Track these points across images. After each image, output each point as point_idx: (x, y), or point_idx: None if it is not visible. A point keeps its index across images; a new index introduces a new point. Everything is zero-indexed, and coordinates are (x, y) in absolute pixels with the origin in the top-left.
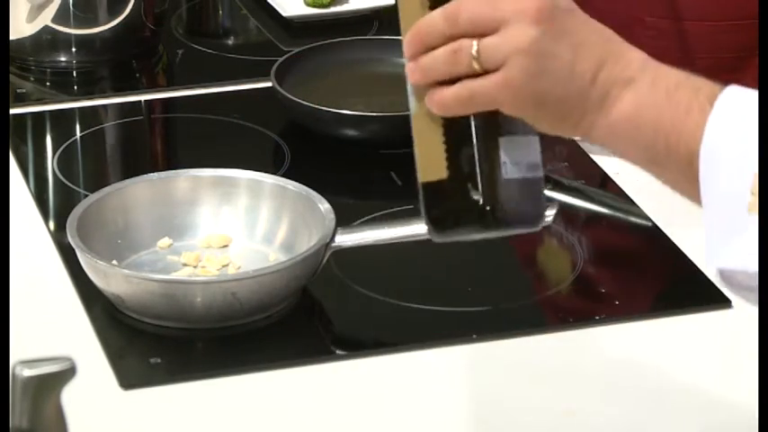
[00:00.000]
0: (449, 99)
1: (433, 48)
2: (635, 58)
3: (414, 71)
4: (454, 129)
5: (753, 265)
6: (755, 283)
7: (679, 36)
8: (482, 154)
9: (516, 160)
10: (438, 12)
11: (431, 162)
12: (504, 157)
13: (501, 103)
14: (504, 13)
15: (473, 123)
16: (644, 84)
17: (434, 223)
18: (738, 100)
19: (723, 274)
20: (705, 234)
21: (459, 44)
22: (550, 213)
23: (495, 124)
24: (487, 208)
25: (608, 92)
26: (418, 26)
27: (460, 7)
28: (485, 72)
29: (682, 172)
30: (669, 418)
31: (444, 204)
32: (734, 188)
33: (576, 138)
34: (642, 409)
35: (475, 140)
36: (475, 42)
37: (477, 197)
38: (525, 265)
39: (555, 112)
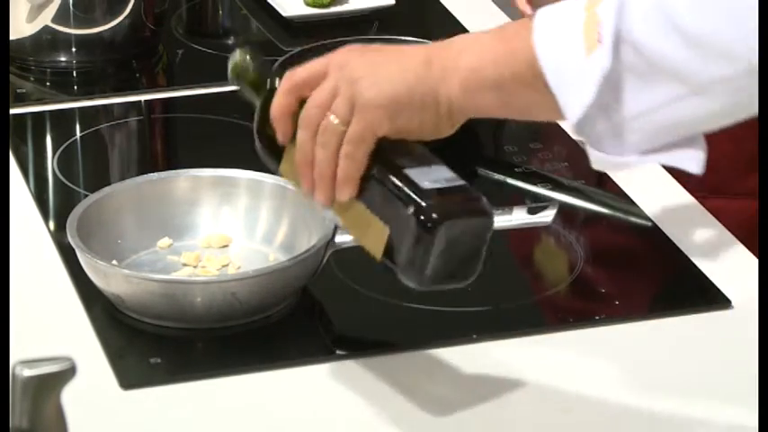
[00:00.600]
0: (343, 171)
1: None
2: (457, 39)
3: (316, 193)
4: (367, 196)
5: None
6: (615, 138)
7: None
8: (399, 188)
9: (430, 180)
10: (298, 132)
11: (374, 235)
12: (417, 179)
13: (376, 129)
14: (330, 80)
15: (377, 178)
16: (474, 46)
17: (411, 275)
18: (555, 7)
19: (589, 138)
20: (566, 114)
21: (321, 128)
22: (550, 213)
23: (394, 167)
24: (425, 217)
25: (445, 66)
26: (297, 158)
27: (307, 110)
28: (348, 124)
29: (531, 87)
30: (669, 418)
31: (403, 249)
32: (570, 49)
33: (450, 129)
34: (642, 409)
35: (388, 187)
36: (328, 113)
37: (411, 212)
38: (525, 265)
39: (416, 109)
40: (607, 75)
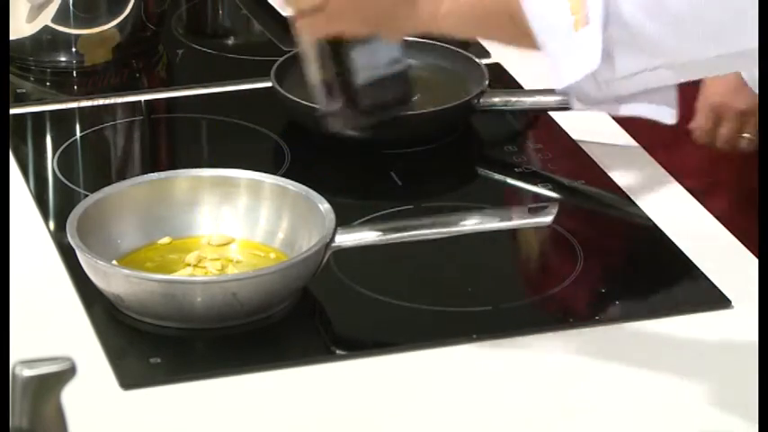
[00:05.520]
0: (305, 28)
1: None
2: None
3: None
4: (320, 53)
5: (591, 66)
6: (601, 93)
7: None
8: (337, 68)
9: (369, 63)
10: None
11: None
12: (356, 64)
13: (334, 28)
14: None
15: (329, 49)
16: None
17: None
18: None
19: (577, 94)
20: (549, 70)
21: None
22: (550, 213)
23: (343, 42)
24: (347, 108)
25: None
26: None
27: None
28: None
29: (511, 33)
30: (669, 418)
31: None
32: (557, 20)
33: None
34: (642, 408)
35: (331, 62)
36: None
37: (339, 102)
38: (525, 264)
39: (377, 16)
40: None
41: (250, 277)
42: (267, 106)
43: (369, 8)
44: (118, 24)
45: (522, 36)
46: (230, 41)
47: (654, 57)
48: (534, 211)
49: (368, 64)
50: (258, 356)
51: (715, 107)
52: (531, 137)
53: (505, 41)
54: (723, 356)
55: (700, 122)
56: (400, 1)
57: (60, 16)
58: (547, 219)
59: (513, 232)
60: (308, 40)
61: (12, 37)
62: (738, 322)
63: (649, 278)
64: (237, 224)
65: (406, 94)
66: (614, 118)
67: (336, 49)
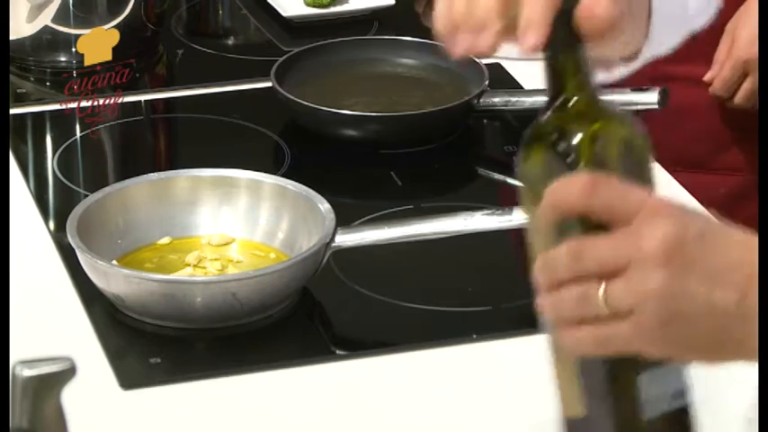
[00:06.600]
0: (584, 341)
1: (562, 282)
2: None
3: (545, 306)
4: (588, 366)
5: None
6: None
7: None
8: (617, 395)
9: (657, 395)
10: (563, 249)
11: (569, 397)
12: (643, 395)
13: (638, 348)
14: (628, 255)
15: (607, 362)
16: None
17: None
18: None
19: None
20: None
21: (586, 289)
22: None
23: (631, 362)
24: None
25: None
26: (545, 260)
27: (584, 247)
28: (615, 314)
29: None
30: None
31: None
32: None
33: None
34: None
35: (609, 381)
36: (602, 287)
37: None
38: (525, 264)
39: (701, 348)
40: None
41: (250, 277)
42: (267, 106)
43: (698, 324)
44: (118, 24)
45: None
46: (230, 41)
47: None
48: None
49: (656, 395)
50: (258, 356)
51: (745, 61)
52: None
53: None
54: None
55: (724, 75)
56: (736, 316)
57: (60, 16)
58: None
59: (513, 232)
60: (582, 353)
61: (12, 37)
62: None
63: None
64: (237, 224)
65: None
66: None
67: (620, 372)
